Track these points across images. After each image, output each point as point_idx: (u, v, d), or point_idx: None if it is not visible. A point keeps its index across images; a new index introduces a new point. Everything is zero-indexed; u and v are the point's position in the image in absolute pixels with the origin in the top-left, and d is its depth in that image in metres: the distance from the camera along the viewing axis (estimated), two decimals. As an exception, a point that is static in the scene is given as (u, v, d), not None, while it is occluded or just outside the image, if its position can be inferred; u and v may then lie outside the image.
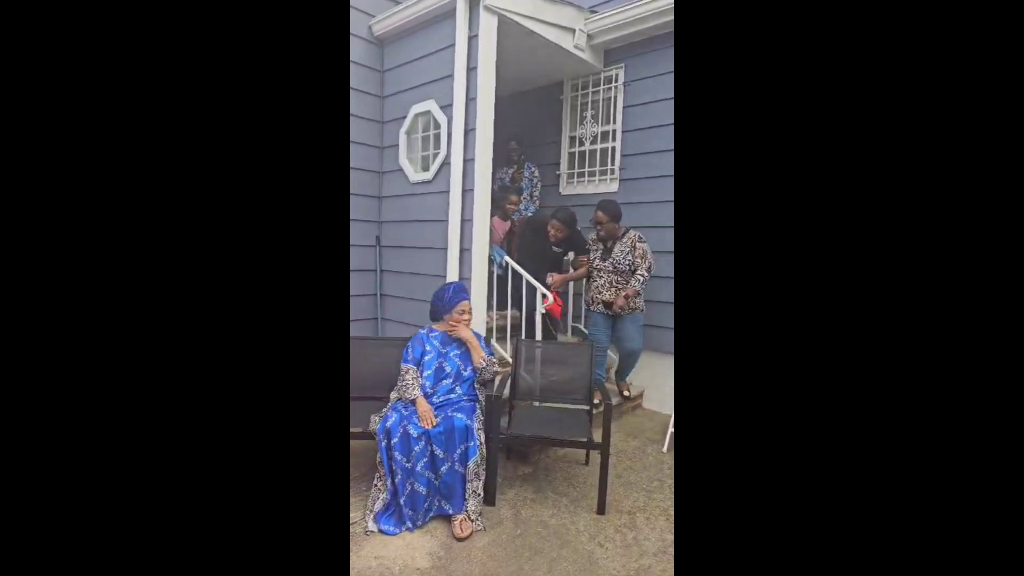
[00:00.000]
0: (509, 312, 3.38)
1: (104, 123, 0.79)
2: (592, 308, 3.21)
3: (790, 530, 0.78)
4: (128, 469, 0.78)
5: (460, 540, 1.99)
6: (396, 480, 2.10)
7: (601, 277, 3.13)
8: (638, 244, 3.01)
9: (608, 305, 3.08)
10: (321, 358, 0.90)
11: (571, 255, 3.53)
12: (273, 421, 0.85)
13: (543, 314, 3.00)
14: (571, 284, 3.73)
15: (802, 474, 0.79)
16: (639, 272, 2.95)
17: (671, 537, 2.05)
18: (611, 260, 3.07)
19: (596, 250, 3.17)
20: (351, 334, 2.85)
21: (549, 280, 3.22)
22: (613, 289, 3.07)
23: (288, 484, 0.85)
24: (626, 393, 3.41)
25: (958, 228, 0.74)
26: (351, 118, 3.28)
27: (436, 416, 2.18)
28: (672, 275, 3.24)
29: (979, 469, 0.72)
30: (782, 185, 0.83)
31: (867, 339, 0.78)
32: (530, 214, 4.03)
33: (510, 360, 2.83)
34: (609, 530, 2.10)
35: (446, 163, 3.00)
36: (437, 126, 3.07)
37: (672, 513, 2.24)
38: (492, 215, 3.21)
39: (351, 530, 2.03)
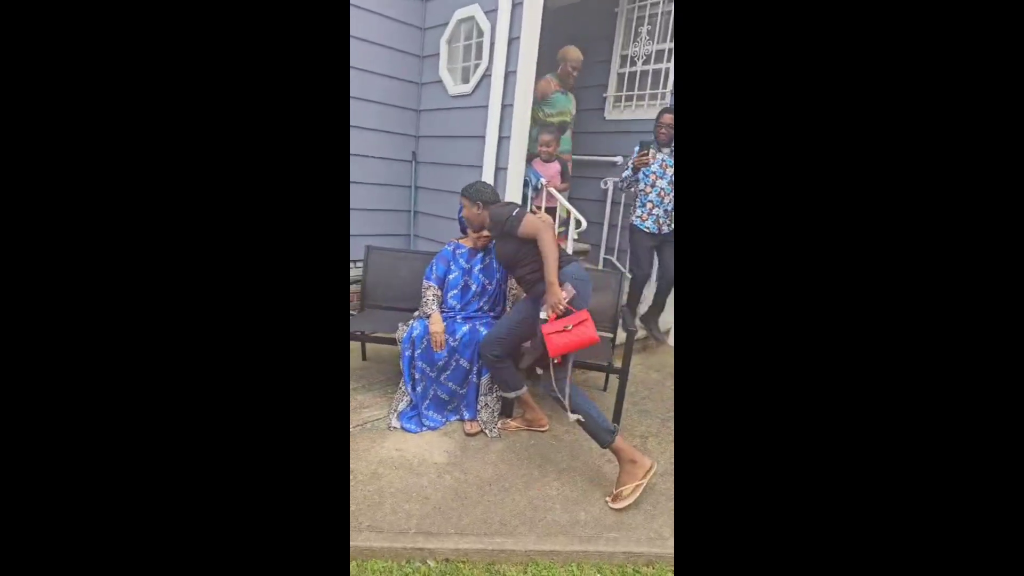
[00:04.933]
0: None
1: (83, 87, 0.74)
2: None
3: (789, 520, 0.76)
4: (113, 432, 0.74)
5: (469, 435, 2.16)
6: (418, 388, 2.21)
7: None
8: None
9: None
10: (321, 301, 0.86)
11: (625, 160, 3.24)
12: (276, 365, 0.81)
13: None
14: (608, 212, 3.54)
15: (807, 467, 0.76)
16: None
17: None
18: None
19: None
20: (384, 247, 2.90)
21: (546, 315, 1.87)
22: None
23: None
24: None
25: (960, 199, 0.70)
26: (390, 22, 3.14)
27: (465, 325, 2.24)
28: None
29: (974, 445, 0.69)
30: (788, 172, 0.77)
31: (871, 329, 0.74)
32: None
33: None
34: (620, 450, 2.16)
35: (487, 75, 2.86)
36: (480, 34, 2.90)
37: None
38: (531, 159, 2.98)
39: (375, 425, 2.17)
